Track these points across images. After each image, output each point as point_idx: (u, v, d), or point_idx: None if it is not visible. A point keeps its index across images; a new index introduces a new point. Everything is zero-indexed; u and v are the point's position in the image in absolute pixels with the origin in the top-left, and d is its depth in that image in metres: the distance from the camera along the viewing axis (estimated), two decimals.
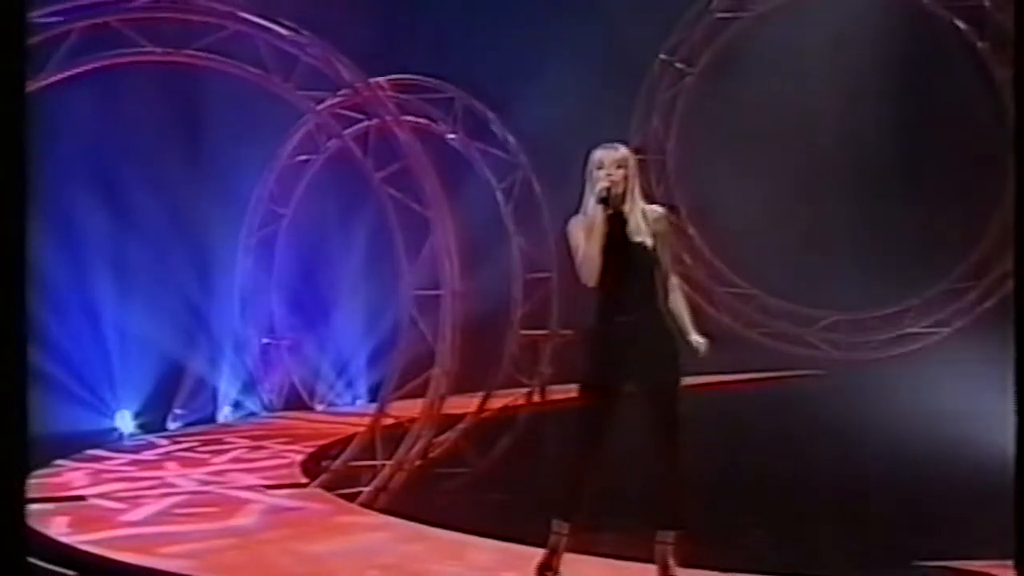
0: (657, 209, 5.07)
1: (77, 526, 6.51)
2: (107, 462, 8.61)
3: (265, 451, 8.98)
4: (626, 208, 4.91)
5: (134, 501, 7.21)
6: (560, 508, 5.05)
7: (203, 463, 8.57)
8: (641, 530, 5.13)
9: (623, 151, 4.97)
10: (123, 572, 5.75)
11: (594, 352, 5.03)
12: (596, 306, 4.99)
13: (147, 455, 8.97)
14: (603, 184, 4.86)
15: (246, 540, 6.31)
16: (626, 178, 4.91)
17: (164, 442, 9.55)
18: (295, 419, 10.53)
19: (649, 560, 5.05)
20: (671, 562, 5.02)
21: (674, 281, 5.06)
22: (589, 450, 5.01)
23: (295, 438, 9.45)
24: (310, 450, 8.83)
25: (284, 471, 8.14)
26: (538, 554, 5.08)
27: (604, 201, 4.84)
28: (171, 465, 8.49)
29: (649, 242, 4.93)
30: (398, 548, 6.08)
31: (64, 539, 6.17)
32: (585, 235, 4.88)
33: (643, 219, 4.96)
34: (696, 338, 4.98)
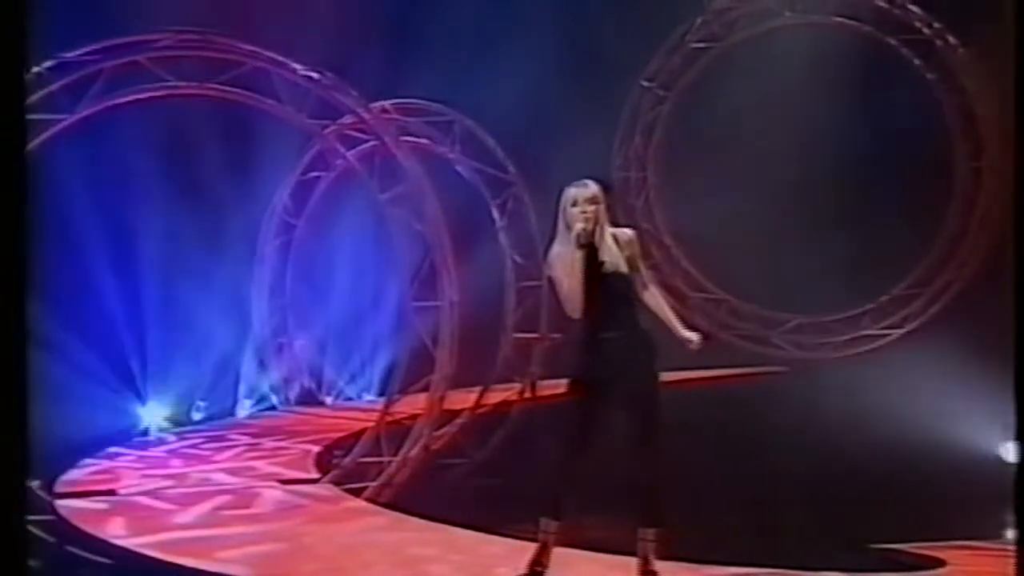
0: (627, 232, 5.04)
1: (132, 527, 6.41)
2: (120, 459, 8.53)
3: (263, 448, 8.85)
4: (598, 239, 4.89)
5: (163, 497, 7.16)
6: (548, 509, 5.03)
7: (207, 459, 8.44)
8: (625, 526, 5.10)
9: (593, 188, 4.92)
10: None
11: (580, 368, 5.01)
12: (581, 327, 4.97)
13: (156, 451, 8.88)
14: (581, 226, 4.84)
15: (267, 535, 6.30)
16: (597, 213, 4.89)
17: (172, 438, 9.41)
18: (305, 414, 10.51)
19: (632, 552, 5.04)
20: (651, 557, 5.02)
21: (652, 289, 5.02)
22: (576, 456, 4.98)
23: (291, 434, 9.38)
24: (306, 446, 8.75)
25: (282, 467, 8.09)
26: (531, 547, 5.05)
27: (586, 245, 4.83)
28: (176, 462, 8.39)
29: (623, 268, 4.93)
30: (407, 544, 6.05)
31: (120, 541, 6.10)
32: (564, 272, 4.87)
33: (615, 245, 4.95)
34: (685, 333, 4.97)
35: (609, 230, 4.96)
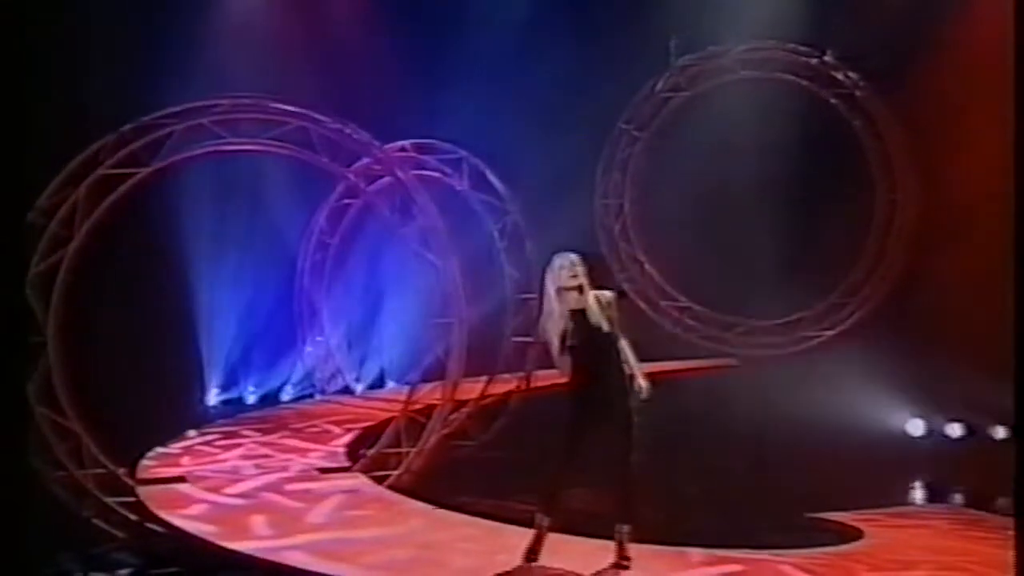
0: (607, 293, 5.01)
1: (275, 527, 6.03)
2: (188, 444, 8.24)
3: (267, 447, 8.31)
4: (583, 300, 4.89)
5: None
6: (542, 506, 5.11)
7: (212, 457, 7.79)
8: (605, 519, 5.16)
9: (573, 257, 4.94)
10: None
11: (570, 406, 5.04)
12: (572, 372, 4.99)
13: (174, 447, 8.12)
14: (573, 292, 4.86)
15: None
16: (580, 277, 4.89)
17: (193, 433, 8.65)
18: (337, 402, 10.45)
19: (610, 536, 5.12)
20: (626, 545, 5.11)
21: (623, 342, 4.99)
22: (564, 467, 5.06)
23: (327, 419, 9.21)
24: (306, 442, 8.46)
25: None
26: (528, 534, 5.12)
27: (579, 310, 4.86)
28: (186, 459, 7.67)
29: (605, 326, 4.93)
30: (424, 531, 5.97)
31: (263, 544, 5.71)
32: (554, 337, 4.91)
33: (597, 305, 4.93)
34: (640, 383, 4.98)
35: (591, 292, 4.94)
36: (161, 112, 7.09)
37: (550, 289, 4.95)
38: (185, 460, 7.58)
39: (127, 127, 6.98)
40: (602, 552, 5.19)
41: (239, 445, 8.23)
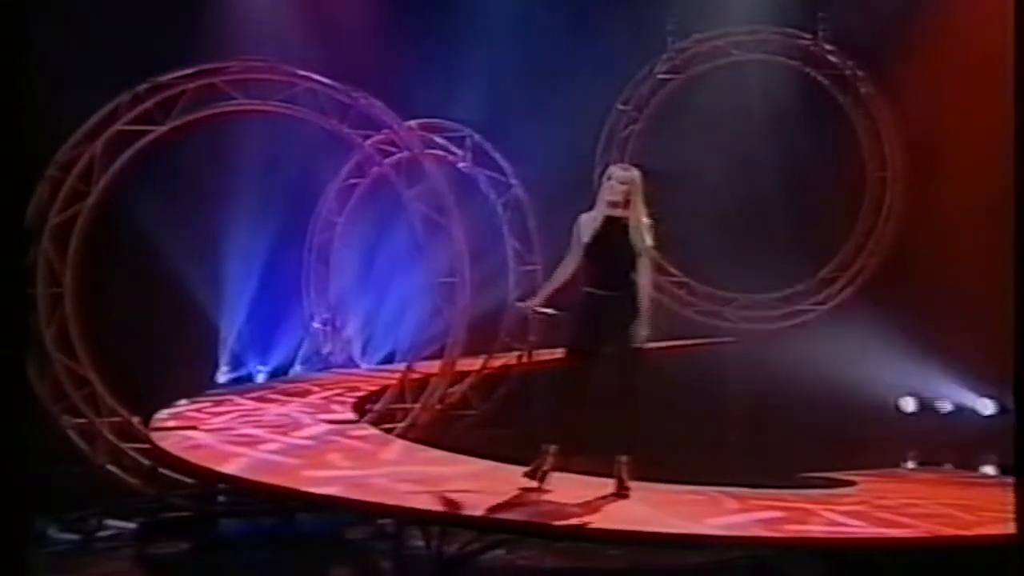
0: (648, 222, 5.02)
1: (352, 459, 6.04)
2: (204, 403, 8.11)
3: (260, 412, 8.03)
4: (626, 214, 4.91)
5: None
6: (551, 436, 5.08)
7: (200, 421, 7.29)
8: (604, 454, 5.15)
9: (630, 172, 5.01)
10: None
11: (582, 316, 5.01)
12: (588, 282, 4.98)
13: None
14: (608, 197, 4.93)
15: None
16: (629, 192, 4.91)
17: (184, 401, 8.05)
18: (344, 375, 10.41)
19: (610, 476, 5.11)
20: (625, 478, 5.09)
21: (645, 267, 4.97)
22: (574, 392, 4.99)
23: (335, 389, 9.10)
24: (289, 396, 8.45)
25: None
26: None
27: (616, 205, 4.94)
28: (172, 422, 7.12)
29: (638, 244, 4.93)
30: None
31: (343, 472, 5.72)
32: (584, 232, 4.95)
33: (640, 225, 4.93)
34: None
35: (644, 216, 4.97)
36: (176, 73, 7.10)
37: (601, 195, 4.98)
38: (172, 423, 7.30)
39: (143, 86, 7.01)
40: (601, 487, 5.16)
41: (229, 411, 8.04)
